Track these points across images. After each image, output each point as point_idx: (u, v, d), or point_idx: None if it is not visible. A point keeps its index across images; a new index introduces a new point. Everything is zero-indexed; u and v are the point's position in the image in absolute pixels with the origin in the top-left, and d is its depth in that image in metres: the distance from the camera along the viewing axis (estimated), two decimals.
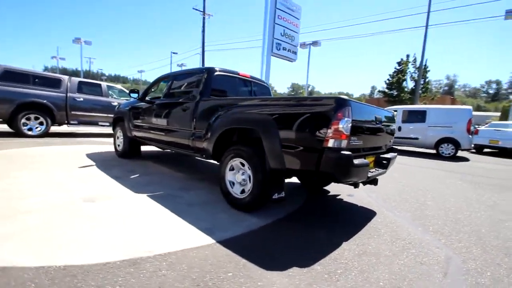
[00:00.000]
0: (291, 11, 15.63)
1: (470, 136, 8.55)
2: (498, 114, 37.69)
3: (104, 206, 2.64)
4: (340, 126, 2.11)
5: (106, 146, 6.53)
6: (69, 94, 7.44)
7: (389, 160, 2.94)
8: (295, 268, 1.80)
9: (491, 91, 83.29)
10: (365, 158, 2.53)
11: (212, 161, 4.40)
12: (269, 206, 2.91)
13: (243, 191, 2.76)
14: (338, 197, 3.61)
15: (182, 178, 3.94)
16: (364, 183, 2.97)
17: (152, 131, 4.25)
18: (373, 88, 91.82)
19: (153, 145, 4.55)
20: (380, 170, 2.85)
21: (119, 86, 9.40)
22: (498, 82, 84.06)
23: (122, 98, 8.69)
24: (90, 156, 5.09)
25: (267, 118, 2.52)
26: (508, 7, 13.64)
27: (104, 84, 8.44)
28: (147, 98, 4.66)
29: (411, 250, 2.20)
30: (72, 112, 7.53)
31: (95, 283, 1.49)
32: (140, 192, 3.13)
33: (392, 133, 3.27)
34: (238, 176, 2.81)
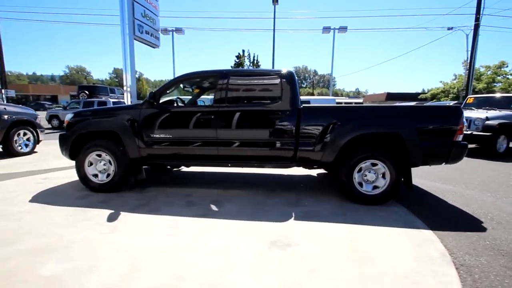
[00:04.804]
0: None
1: None
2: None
3: (304, 250, 2.18)
4: (464, 126, 3.06)
5: (23, 179, 3.84)
6: None
7: None
8: None
9: None
10: None
11: (240, 170, 4.13)
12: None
13: (375, 187, 3.11)
14: None
15: (259, 195, 3.42)
16: None
17: (204, 146, 3.33)
18: None
19: (193, 165, 3.52)
20: None
21: None
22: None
23: None
24: (46, 199, 3.01)
25: (411, 123, 3.04)
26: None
27: None
28: (160, 103, 3.46)
29: (473, 203, 3.50)
30: None
31: None
32: (284, 220, 2.67)
33: None
34: (370, 176, 3.10)
